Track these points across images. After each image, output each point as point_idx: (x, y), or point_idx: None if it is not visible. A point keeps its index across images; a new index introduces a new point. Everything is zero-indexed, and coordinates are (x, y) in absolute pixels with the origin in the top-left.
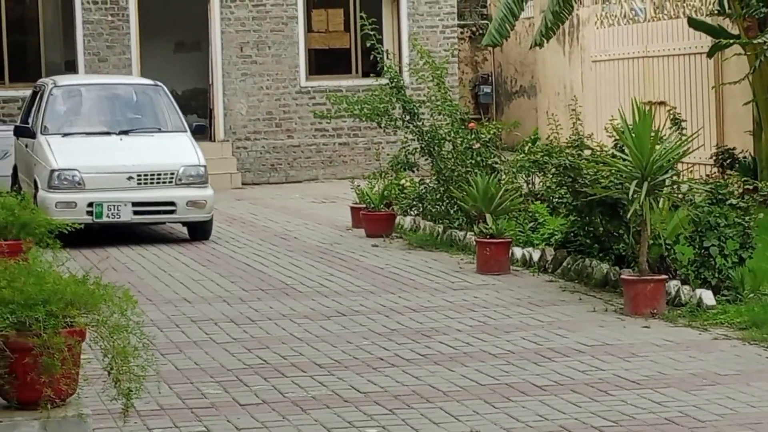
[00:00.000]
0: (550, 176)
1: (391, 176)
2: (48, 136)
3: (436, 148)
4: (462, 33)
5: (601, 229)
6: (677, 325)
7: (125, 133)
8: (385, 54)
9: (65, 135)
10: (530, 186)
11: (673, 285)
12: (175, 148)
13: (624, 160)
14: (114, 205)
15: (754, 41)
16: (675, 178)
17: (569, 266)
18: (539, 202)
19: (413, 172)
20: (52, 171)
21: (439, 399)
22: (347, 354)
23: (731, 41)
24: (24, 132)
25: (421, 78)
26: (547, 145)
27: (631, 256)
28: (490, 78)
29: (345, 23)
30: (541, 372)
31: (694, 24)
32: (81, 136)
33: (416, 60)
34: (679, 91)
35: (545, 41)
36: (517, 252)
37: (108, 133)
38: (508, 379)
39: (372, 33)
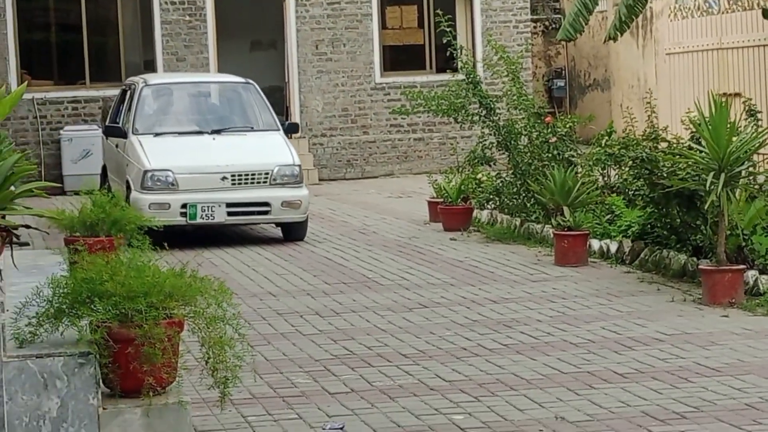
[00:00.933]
0: (627, 168)
1: (468, 171)
2: (140, 136)
3: (512, 142)
4: (535, 27)
5: (678, 220)
6: (756, 314)
7: (217, 132)
8: (460, 50)
9: (157, 135)
10: (606, 179)
11: (751, 275)
12: (268, 148)
13: (701, 152)
14: (208, 206)
15: None
16: (752, 169)
17: (647, 257)
18: (615, 194)
19: (490, 166)
20: (145, 172)
21: (523, 387)
22: (431, 344)
23: None
24: (114, 132)
25: (496, 73)
26: (623, 137)
27: (708, 247)
28: (563, 72)
29: (419, 20)
30: (622, 360)
31: None
32: (173, 136)
33: (490, 55)
34: (755, 83)
35: (619, 35)
36: (595, 244)
37: (200, 133)
38: (590, 367)
39: (448, 29)
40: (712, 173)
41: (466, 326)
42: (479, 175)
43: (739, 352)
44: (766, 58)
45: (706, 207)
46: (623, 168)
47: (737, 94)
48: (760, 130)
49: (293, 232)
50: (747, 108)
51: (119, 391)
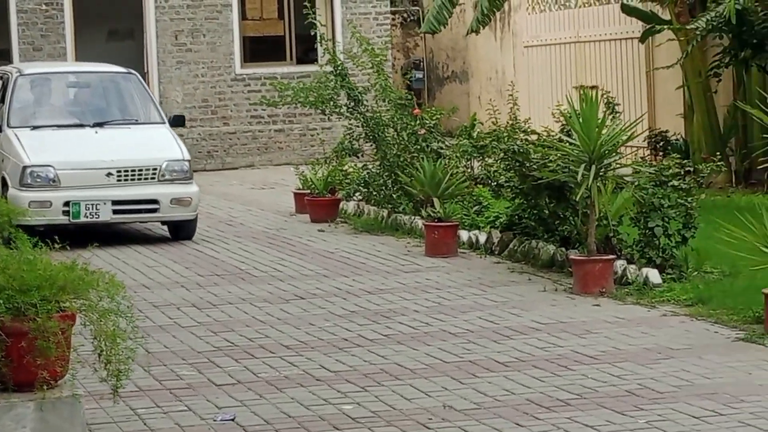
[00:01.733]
0: (498, 160)
1: (335, 162)
2: (16, 130)
3: (380, 134)
4: (394, 19)
5: (547, 211)
6: (626, 302)
7: (100, 125)
8: (329, 43)
9: (35, 128)
10: (470, 170)
11: (620, 264)
12: (155, 142)
13: (571, 144)
14: (92, 204)
15: (687, 26)
16: (621, 160)
17: (515, 248)
18: (481, 185)
19: (357, 157)
20: (24, 168)
21: (408, 376)
22: (312, 335)
23: (664, 26)
24: None
25: (361, 64)
26: (493, 130)
27: (576, 238)
28: (421, 63)
29: (279, 11)
30: (502, 349)
31: (627, 10)
32: (52, 129)
33: (352, 47)
34: (611, 76)
35: (482, 27)
36: (464, 235)
37: (81, 126)
38: (471, 356)
39: (316, 21)
40: (583, 165)
41: (345, 317)
42: (346, 167)
43: (614, 340)
44: (623, 51)
45: (576, 198)
46: (490, 159)
47: (594, 87)
48: (629, 122)
49: (182, 231)
50: (606, 101)
51: (12, 385)
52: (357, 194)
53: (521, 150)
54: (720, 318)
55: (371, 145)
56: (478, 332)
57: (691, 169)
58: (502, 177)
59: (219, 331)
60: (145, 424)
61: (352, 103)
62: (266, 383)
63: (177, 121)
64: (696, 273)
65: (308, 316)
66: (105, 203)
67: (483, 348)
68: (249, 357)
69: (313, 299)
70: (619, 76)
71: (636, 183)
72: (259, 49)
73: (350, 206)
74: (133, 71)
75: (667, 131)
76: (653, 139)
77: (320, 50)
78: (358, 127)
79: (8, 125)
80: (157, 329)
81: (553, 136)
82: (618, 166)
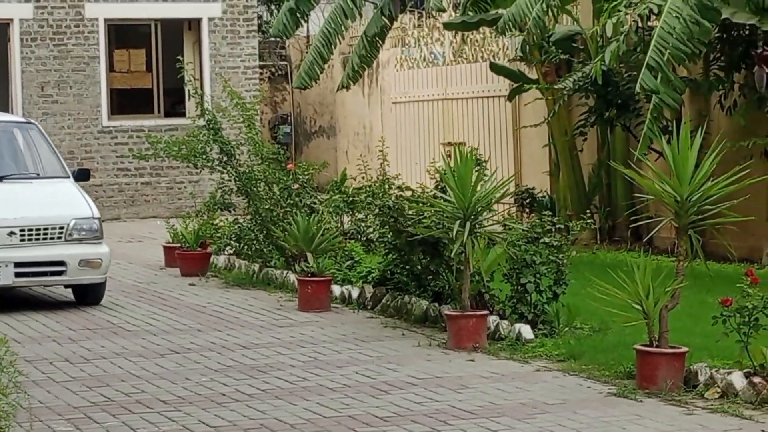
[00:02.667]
0: (372, 215)
1: (205, 216)
2: None
3: (252, 188)
4: (262, 74)
5: (420, 266)
6: (499, 358)
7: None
8: (201, 96)
9: None
10: (340, 225)
11: (492, 320)
12: (61, 198)
13: (446, 201)
14: None
15: (555, 86)
16: (495, 217)
17: (388, 303)
18: (352, 240)
19: (229, 212)
20: None
21: None
22: (189, 390)
23: (532, 85)
24: None
25: (232, 118)
26: (368, 185)
27: (448, 293)
28: (289, 118)
29: (147, 63)
30: (380, 404)
31: (496, 69)
32: None
33: (219, 100)
34: (479, 133)
35: (352, 84)
36: (336, 290)
37: None
38: (350, 411)
39: (191, 75)
40: (458, 221)
41: (221, 371)
42: (217, 221)
43: (490, 395)
44: (491, 109)
45: (452, 254)
46: (360, 215)
47: (461, 144)
48: (503, 180)
49: (89, 295)
50: (474, 158)
51: None
52: (228, 248)
53: (396, 206)
54: (592, 373)
55: (243, 199)
56: (356, 387)
57: (562, 226)
58: (374, 232)
59: (94, 386)
60: None
61: (225, 157)
62: None
63: (82, 176)
64: (567, 329)
65: (184, 370)
66: (7, 265)
67: (361, 403)
68: (126, 412)
69: (188, 354)
70: (486, 133)
71: (508, 240)
72: (126, 102)
73: (221, 260)
74: (32, 120)
75: (533, 188)
76: (520, 196)
77: (190, 104)
78: (229, 181)
79: None
80: (30, 384)
81: (427, 192)
82: (491, 222)
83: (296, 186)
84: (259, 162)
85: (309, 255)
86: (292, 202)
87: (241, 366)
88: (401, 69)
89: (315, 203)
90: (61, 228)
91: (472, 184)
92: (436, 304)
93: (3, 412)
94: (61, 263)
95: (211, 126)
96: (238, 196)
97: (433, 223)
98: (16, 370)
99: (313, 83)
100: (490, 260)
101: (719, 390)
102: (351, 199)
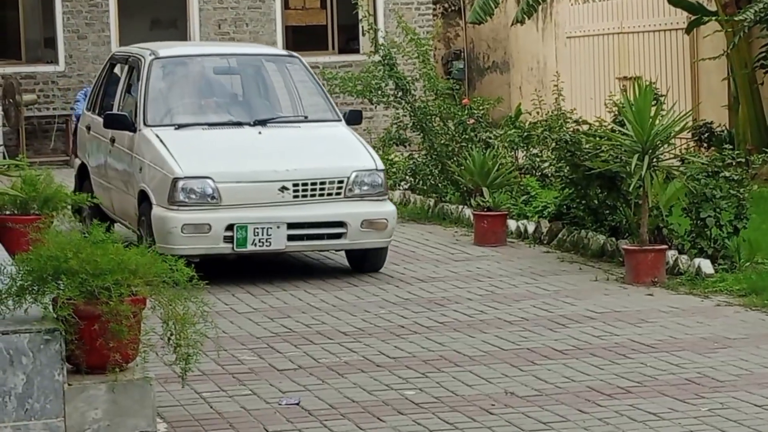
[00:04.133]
0: (549, 150)
1: (381, 151)
2: (157, 129)
3: (428, 123)
4: (435, 9)
5: (597, 201)
6: (679, 292)
7: (262, 123)
8: (377, 32)
9: (179, 127)
10: (515, 160)
11: (671, 254)
12: (337, 146)
13: (624, 134)
14: (263, 228)
15: (735, 18)
16: (674, 152)
17: (564, 237)
18: (527, 175)
19: (405, 147)
20: (175, 180)
21: (467, 363)
22: (368, 322)
23: (711, 17)
24: (118, 122)
25: (407, 54)
26: (544, 119)
27: (626, 228)
28: (462, 54)
29: (321, 0)
30: (559, 337)
31: (674, 1)
32: (202, 129)
33: (392, 36)
34: (655, 67)
35: (527, 18)
36: (512, 224)
37: (239, 124)
38: (528, 344)
39: (366, 11)
40: (636, 155)
41: (399, 304)
42: (392, 156)
43: (670, 329)
44: (666, 42)
45: (630, 188)
46: (536, 149)
47: (637, 78)
48: (683, 113)
49: (369, 262)
50: (652, 91)
51: (84, 367)
52: (403, 183)
53: (573, 140)
54: None
55: (418, 134)
56: (533, 320)
57: (742, 160)
58: (550, 167)
59: (275, 317)
60: (211, 407)
61: (400, 93)
62: (327, 368)
63: (354, 118)
64: (748, 264)
65: (362, 303)
66: (279, 227)
67: (539, 336)
68: (307, 343)
69: (366, 286)
70: (663, 67)
71: (687, 174)
72: (301, 39)
73: (396, 195)
74: (295, 54)
75: (711, 122)
76: (698, 131)
77: (364, 40)
78: (405, 116)
79: (145, 123)
80: (214, 315)
81: (604, 126)
82: (670, 156)
83: (471, 121)
84: (434, 97)
85: (485, 190)
86: (467, 137)
87: (419, 299)
88: (576, 3)
89: (490, 138)
90: (340, 182)
91: (651, 117)
92: (614, 239)
93: (191, 340)
94: (341, 224)
95: (386, 61)
96: (413, 132)
97: (610, 157)
98: (202, 299)
99: (487, 18)
100: (669, 194)
101: None
102: (526, 133)
